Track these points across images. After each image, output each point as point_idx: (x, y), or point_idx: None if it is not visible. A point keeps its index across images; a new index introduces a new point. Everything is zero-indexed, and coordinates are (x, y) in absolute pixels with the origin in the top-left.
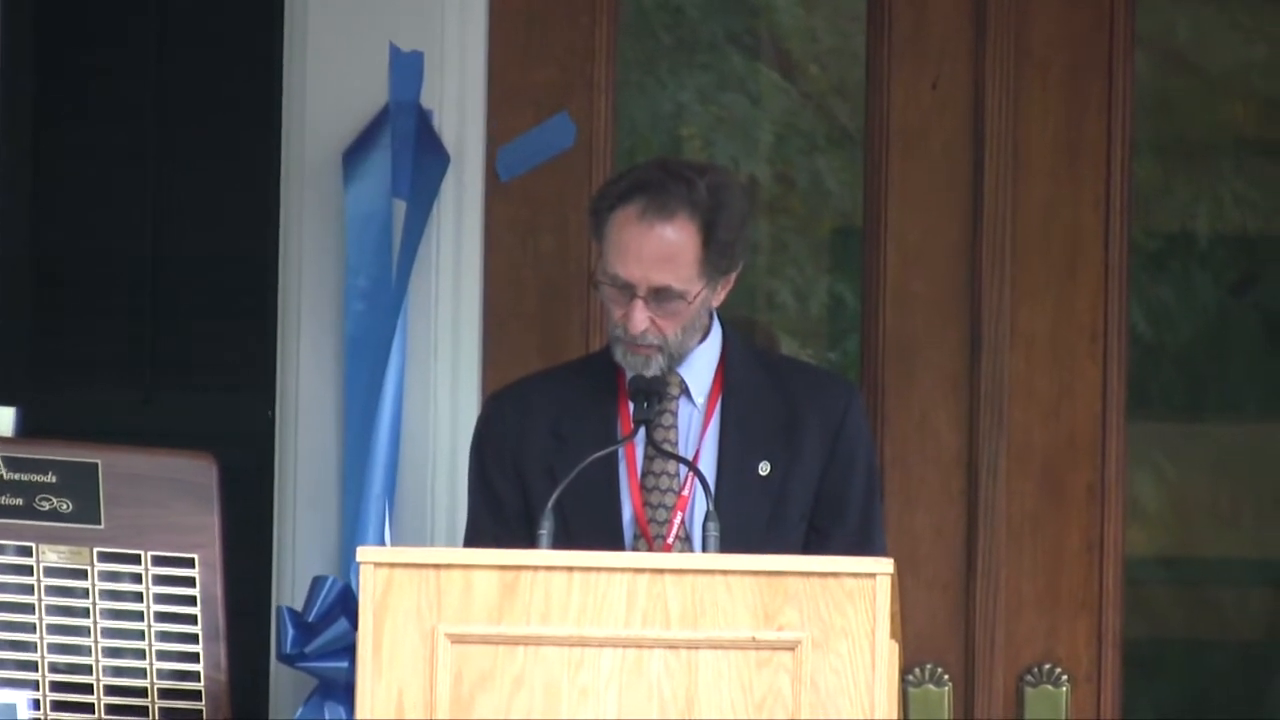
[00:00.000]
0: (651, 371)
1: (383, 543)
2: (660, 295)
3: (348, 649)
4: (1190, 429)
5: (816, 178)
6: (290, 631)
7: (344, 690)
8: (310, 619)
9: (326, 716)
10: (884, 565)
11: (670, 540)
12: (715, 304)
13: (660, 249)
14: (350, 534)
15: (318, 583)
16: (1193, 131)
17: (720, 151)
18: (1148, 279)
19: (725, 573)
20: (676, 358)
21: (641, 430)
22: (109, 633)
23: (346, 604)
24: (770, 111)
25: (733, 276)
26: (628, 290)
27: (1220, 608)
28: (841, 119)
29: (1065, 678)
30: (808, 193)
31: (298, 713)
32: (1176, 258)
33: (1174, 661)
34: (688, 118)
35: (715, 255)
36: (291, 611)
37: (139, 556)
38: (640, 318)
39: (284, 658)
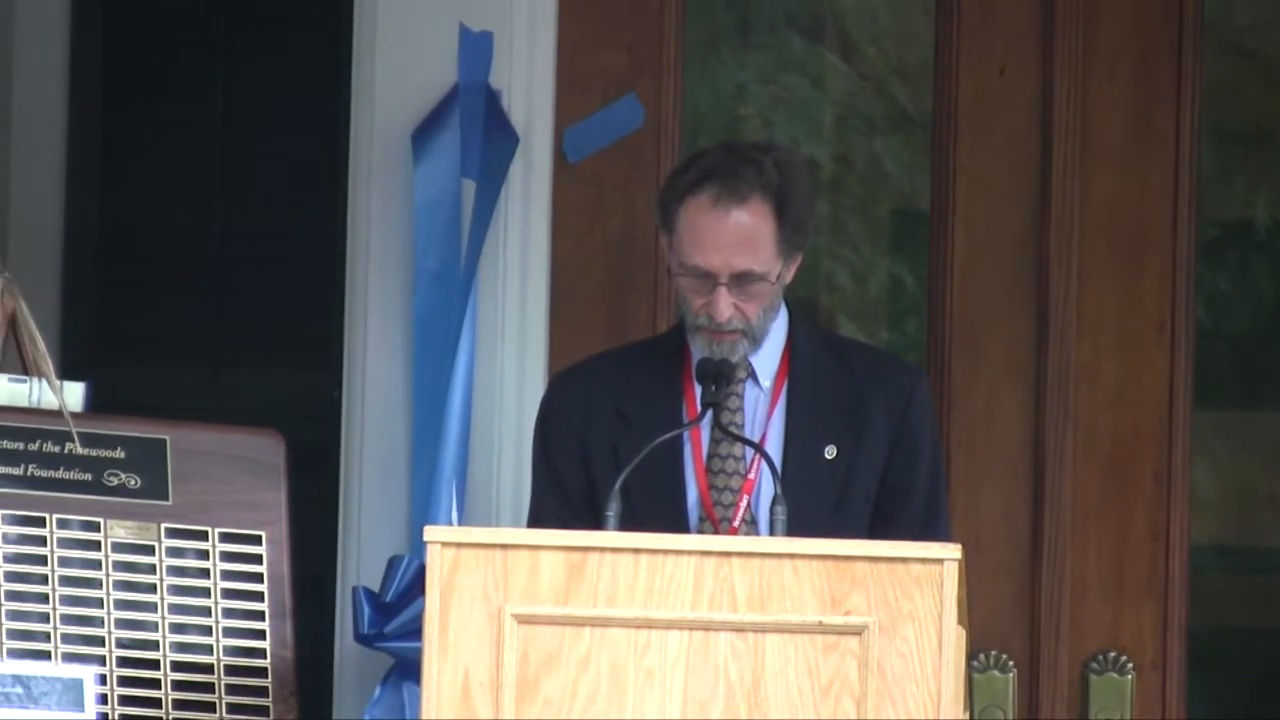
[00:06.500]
0: (737, 356)
1: (451, 523)
2: (742, 280)
3: None
4: (1247, 417)
5: (875, 159)
6: (367, 611)
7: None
8: (387, 599)
9: (405, 696)
10: (952, 551)
11: (736, 524)
12: (787, 281)
13: (738, 234)
14: (420, 514)
15: (394, 562)
16: (1251, 120)
17: (780, 132)
18: (1206, 268)
19: (793, 556)
20: (758, 340)
21: (708, 413)
22: (176, 609)
23: (424, 583)
24: (830, 93)
25: (801, 254)
26: (709, 279)
27: (1278, 596)
28: (901, 100)
29: (1130, 665)
30: (866, 174)
31: (375, 693)
32: (1235, 247)
33: (1233, 650)
34: (747, 98)
35: (790, 232)
36: (368, 591)
37: (206, 533)
38: (725, 304)
39: (361, 638)
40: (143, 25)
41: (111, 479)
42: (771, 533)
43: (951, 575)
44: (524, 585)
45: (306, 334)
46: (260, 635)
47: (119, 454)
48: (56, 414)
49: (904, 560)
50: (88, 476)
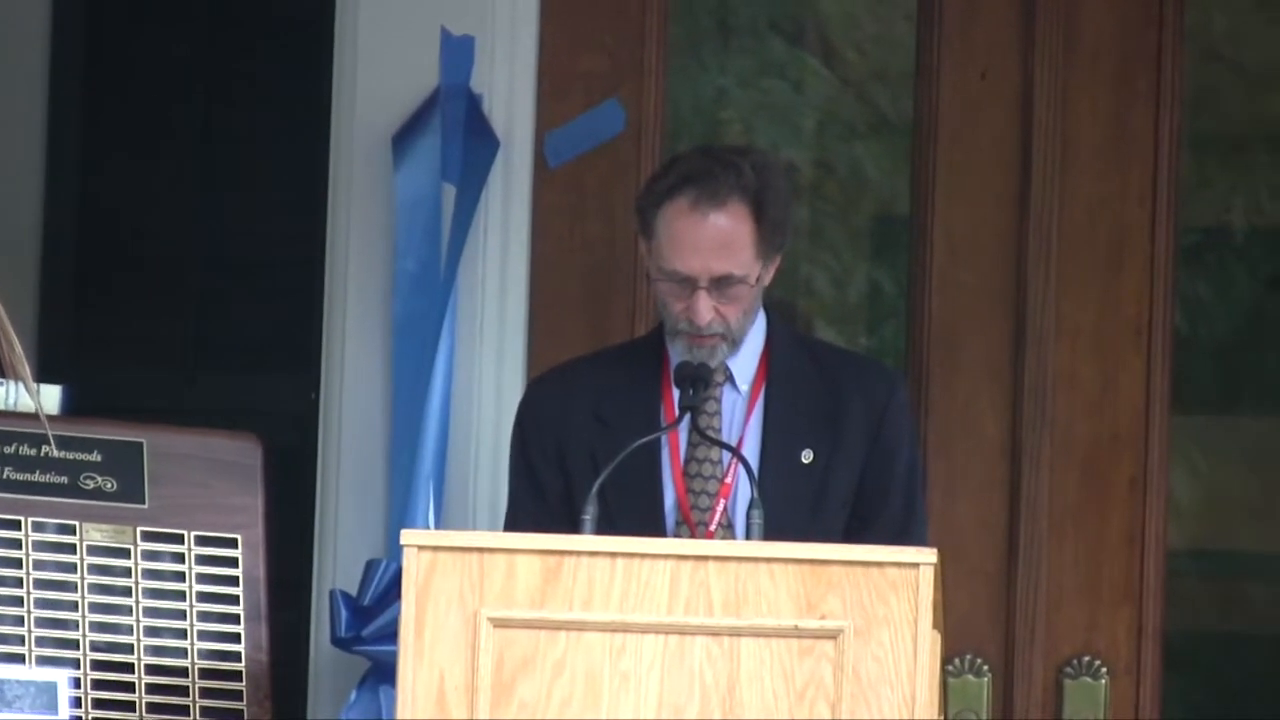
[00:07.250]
0: (716, 361)
1: (429, 526)
2: (722, 283)
3: None
4: (1225, 422)
5: (856, 165)
6: (344, 615)
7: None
8: (365, 602)
9: (381, 700)
10: (928, 555)
11: (713, 527)
12: (765, 283)
13: (717, 237)
14: (398, 517)
15: (372, 566)
16: (1229, 125)
17: (761, 137)
18: (1184, 273)
19: (769, 560)
20: (737, 343)
21: (686, 416)
22: (151, 612)
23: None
24: (811, 98)
25: (779, 257)
26: (689, 284)
27: (1255, 602)
28: (882, 106)
29: (1105, 670)
30: (847, 180)
31: (350, 697)
32: (1213, 251)
33: (1209, 655)
34: (728, 103)
35: (769, 234)
36: (345, 595)
37: (182, 536)
38: (705, 308)
39: (338, 641)
40: (124, 25)
41: (88, 482)
42: (748, 537)
43: (927, 580)
44: (500, 589)
45: (285, 336)
46: (235, 639)
47: (95, 457)
48: (33, 417)
49: (880, 565)
50: (64, 479)
